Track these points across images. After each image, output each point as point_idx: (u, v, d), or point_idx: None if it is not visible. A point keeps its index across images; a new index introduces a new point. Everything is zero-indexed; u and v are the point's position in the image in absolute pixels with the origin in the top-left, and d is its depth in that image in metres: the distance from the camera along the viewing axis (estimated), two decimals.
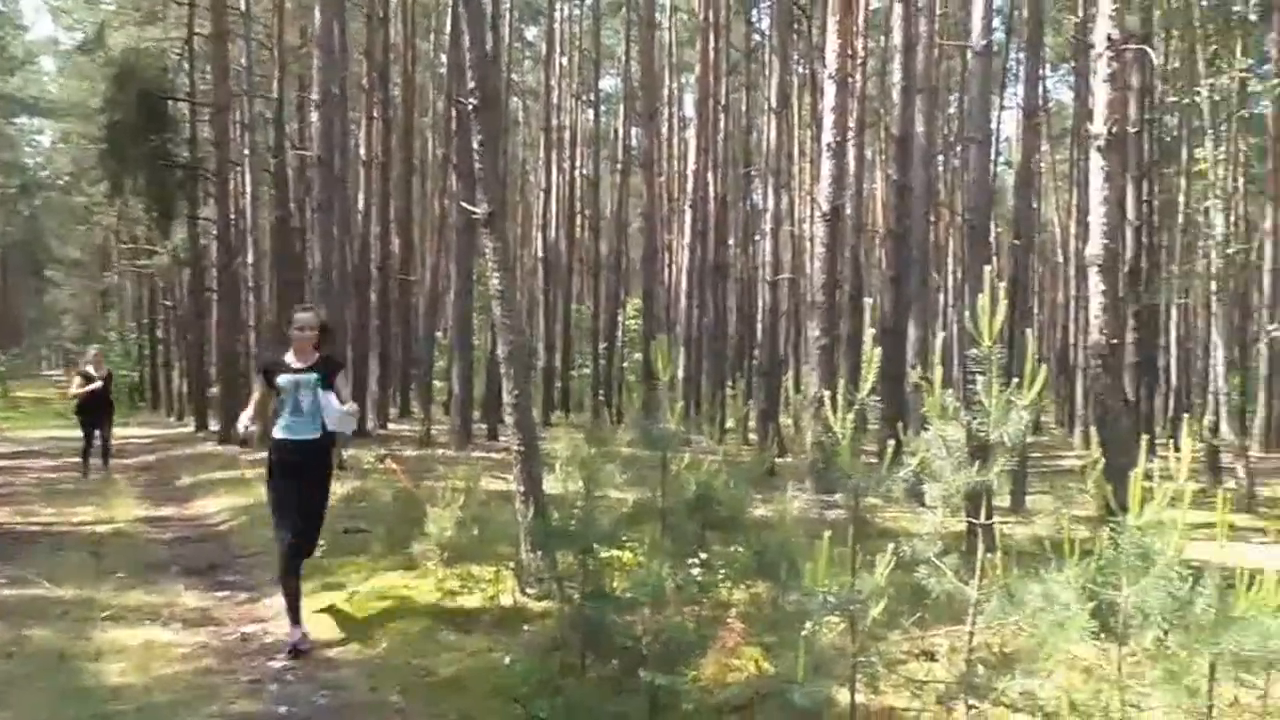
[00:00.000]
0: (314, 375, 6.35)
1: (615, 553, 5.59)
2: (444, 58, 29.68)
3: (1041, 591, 3.99)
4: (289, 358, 6.47)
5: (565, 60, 38.34)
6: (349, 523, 9.60)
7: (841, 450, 4.09)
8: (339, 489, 9.73)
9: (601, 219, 39.17)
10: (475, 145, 7.57)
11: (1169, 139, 27.97)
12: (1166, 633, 3.96)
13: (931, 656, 5.55)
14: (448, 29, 24.89)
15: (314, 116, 19.86)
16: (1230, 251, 18.07)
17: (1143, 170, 22.65)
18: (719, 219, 30.77)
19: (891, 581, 4.03)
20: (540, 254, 35.27)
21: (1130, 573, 3.85)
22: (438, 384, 33.89)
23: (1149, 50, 18.72)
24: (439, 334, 34.71)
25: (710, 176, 30.13)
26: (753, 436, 21.15)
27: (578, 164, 39.52)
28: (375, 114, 28.13)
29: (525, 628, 6.36)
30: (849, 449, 4.08)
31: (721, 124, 32.01)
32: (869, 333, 4.19)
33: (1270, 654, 3.86)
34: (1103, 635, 4.05)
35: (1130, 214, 20.78)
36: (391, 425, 26.48)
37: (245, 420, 6.56)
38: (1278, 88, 19.26)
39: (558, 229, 36.47)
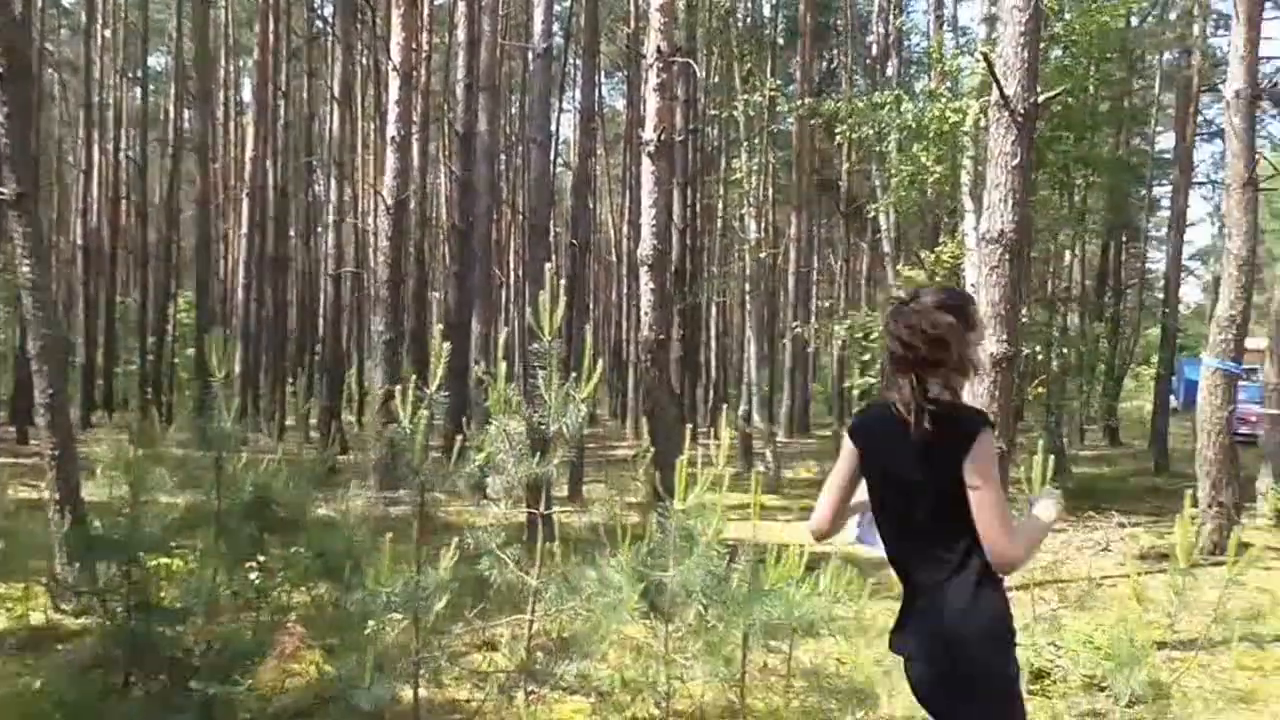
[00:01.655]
0: None
1: (165, 561, 5.18)
2: None
3: (597, 576, 4.16)
4: None
5: (109, 33, 34.94)
6: None
7: (410, 445, 4.02)
8: None
9: (150, 205, 36.13)
10: (1, 119, 6.76)
11: (710, 149, 30.44)
12: (707, 608, 4.27)
13: (494, 647, 5.64)
14: None
15: None
16: (761, 255, 19.91)
17: (688, 177, 24.43)
18: (279, 209, 29.46)
19: (456, 575, 4.03)
20: (80, 241, 31.94)
21: (676, 553, 4.11)
22: None
23: (694, 64, 20.22)
24: None
25: (270, 165, 28.76)
26: (315, 434, 20.47)
27: (123, 145, 36.16)
28: None
29: (60, 648, 5.82)
30: (419, 444, 4.03)
31: (282, 111, 30.66)
32: (437, 327, 4.15)
33: (794, 621, 4.29)
34: (652, 614, 4.30)
35: (676, 218, 22.36)
36: None
37: None
38: (801, 107, 21.49)
39: (100, 215, 33.20)
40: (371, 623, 4.09)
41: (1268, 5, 12.40)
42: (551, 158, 25.51)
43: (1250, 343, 14.16)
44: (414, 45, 16.92)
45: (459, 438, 4.20)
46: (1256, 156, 10.57)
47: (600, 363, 4.34)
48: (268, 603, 5.05)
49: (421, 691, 4.23)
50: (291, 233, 31.97)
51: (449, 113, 25.59)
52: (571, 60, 30.65)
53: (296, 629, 4.93)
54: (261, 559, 5.00)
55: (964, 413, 2.73)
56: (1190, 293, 51.95)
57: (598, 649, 4.56)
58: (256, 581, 4.90)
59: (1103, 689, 5.13)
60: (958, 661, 2.67)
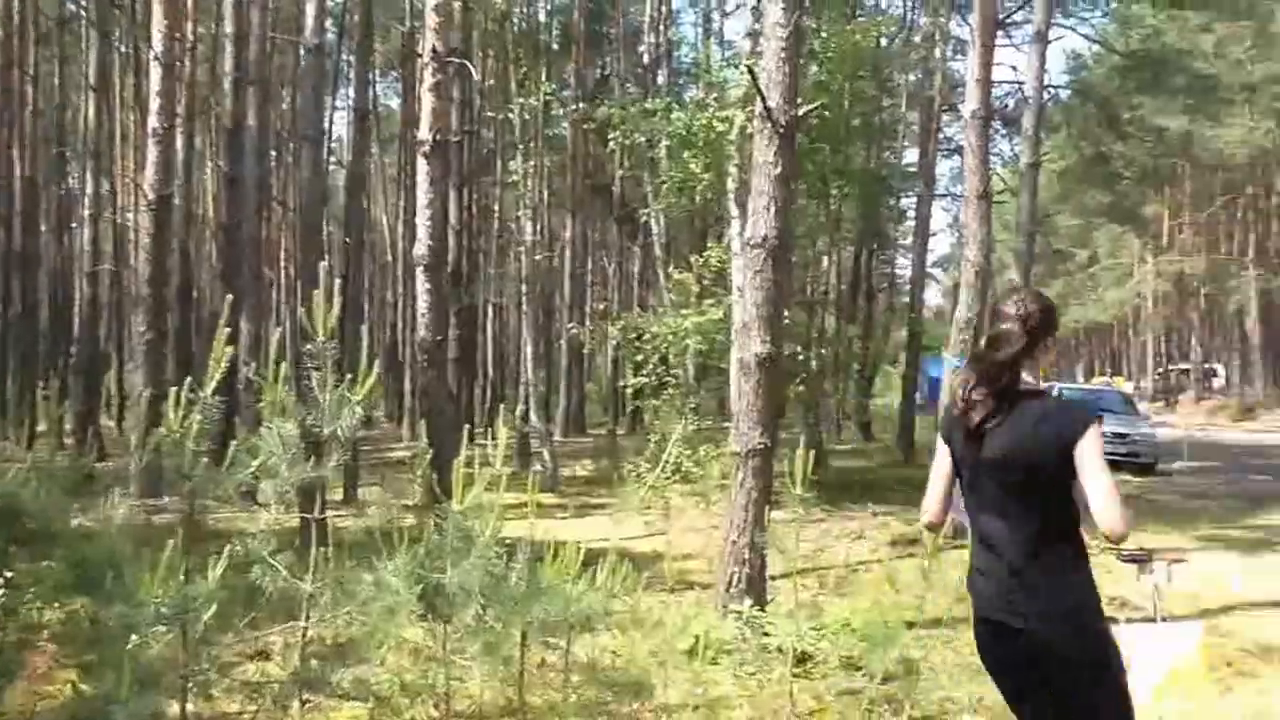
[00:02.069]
0: None
1: None
2: None
3: (373, 580, 4.14)
4: None
5: None
6: None
7: (179, 450, 3.89)
8: None
9: None
10: None
11: (487, 151, 30.36)
12: (485, 608, 4.32)
13: (268, 656, 5.49)
14: None
15: None
16: (537, 257, 20.04)
17: (464, 178, 24.29)
18: (27, 202, 27.36)
19: (226, 584, 3.92)
20: None
21: (454, 555, 4.14)
22: None
23: (469, 65, 20.14)
24: None
25: (16, 155, 26.69)
26: (70, 440, 19.17)
27: None
28: None
29: None
30: (188, 448, 3.89)
31: (30, 97, 28.49)
32: (223, 331, 4.01)
33: (572, 617, 4.40)
34: (430, 616, 4.31)
35: (453, 218, 22.20)
36: None
37: None
38: (575, 112, 21.76)
39: None
40: (135, 637, 3.93)
41: (1000, 34, 13.45)
42: (325, 155, 24.80)
43: None
44: (178, 35, 16.12)
45: (231, 442, 4.10)
46: (990, 172, 11.51)
47: (377, 364, 4.31)
48: (15, 621, 4.75)
49: (189, 706, 4.08)
50: (43, 227, 29.82)
51: (216, 106, 24.51)
52: (346, 57, 29.91)
53: (49, 647, 4.67)
54: (8, 574, 4.70)
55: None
56: (933, 297, 55.75)
57: (375, 654, 4.53)
58: (1, 599, 4.60)
59: (859, 668, 5.44)
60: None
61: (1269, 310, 45.56)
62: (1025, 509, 3.05)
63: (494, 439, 4.27)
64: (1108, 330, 68.37)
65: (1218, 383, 52.16)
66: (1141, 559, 4.73)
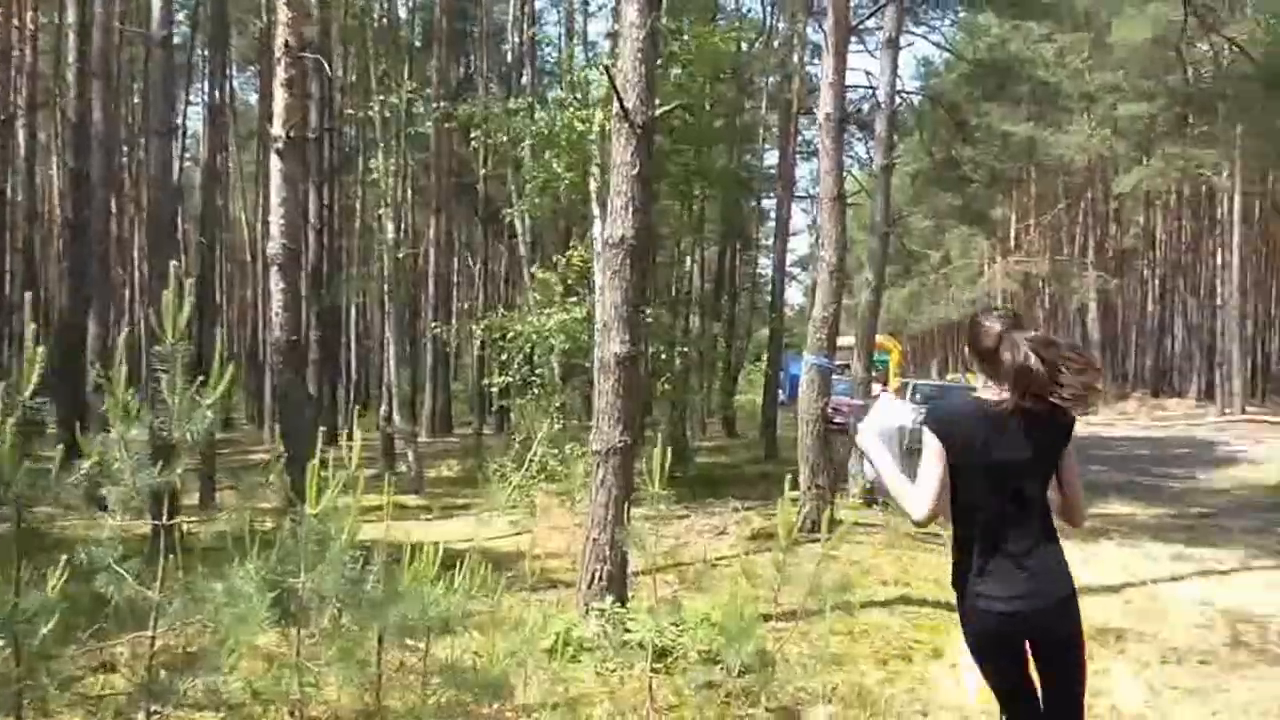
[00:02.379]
0: None
1: None
2: None
3: (225, 588, 4.06)
4: None
5: None
6: None
7: (3, 456, 3.74)
8: None
9: None
10: None
11: (348, 148, 29.80)
12: (341, 612, 4.28)
13: (113, 668, 5.32)
14: None
15: None
16: (400, 256, 19.83)
17: (324, 175, 23.79)
18: None
19: (66, 595, 3.80)
20: None
21: (309, 559, 4.09)
22: None
23: (325, 62, 19.75)
24: None
25: None
26: None
27: None
28: None
29: None
30: (11, 455, 3.75)
31: None
32: (31, 328, 3.88)
33: (429, 620, 4.39)
34: (285, 622, 4.24)
35: (313, 217, 21.73)
36: None
37: None
38: (436, 112, 21.51)
39: None
40: None
41: (853, 39, 13.84)
42: (179, 152, 23.98)
43: (843, 340, 15.78)
44: (17, 22, 15.39)
45: (64, 446, 3.96)
46: (845, 174, 11.84)
47: (233, 365, 4.23)
48: None
49: None
50: None
51: (60, 99, 23.43)
52: (200, 50, 28.96)
53: None
54: None
55: None
56: (796, 296, 56.96)
57: (227, 662, 4.43)
58: None
59: (718, 662, 5.54)
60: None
61: (1107, 308, 47.94)
62: (1040, 501, 3.47)
63: (350, 440, 4.23)
64: (960, 328, 70.92)
65: None
66: None
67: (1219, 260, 41.84)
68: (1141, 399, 43.66)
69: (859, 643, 6.76)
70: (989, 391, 3.52)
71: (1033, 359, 3.40)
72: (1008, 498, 3.40)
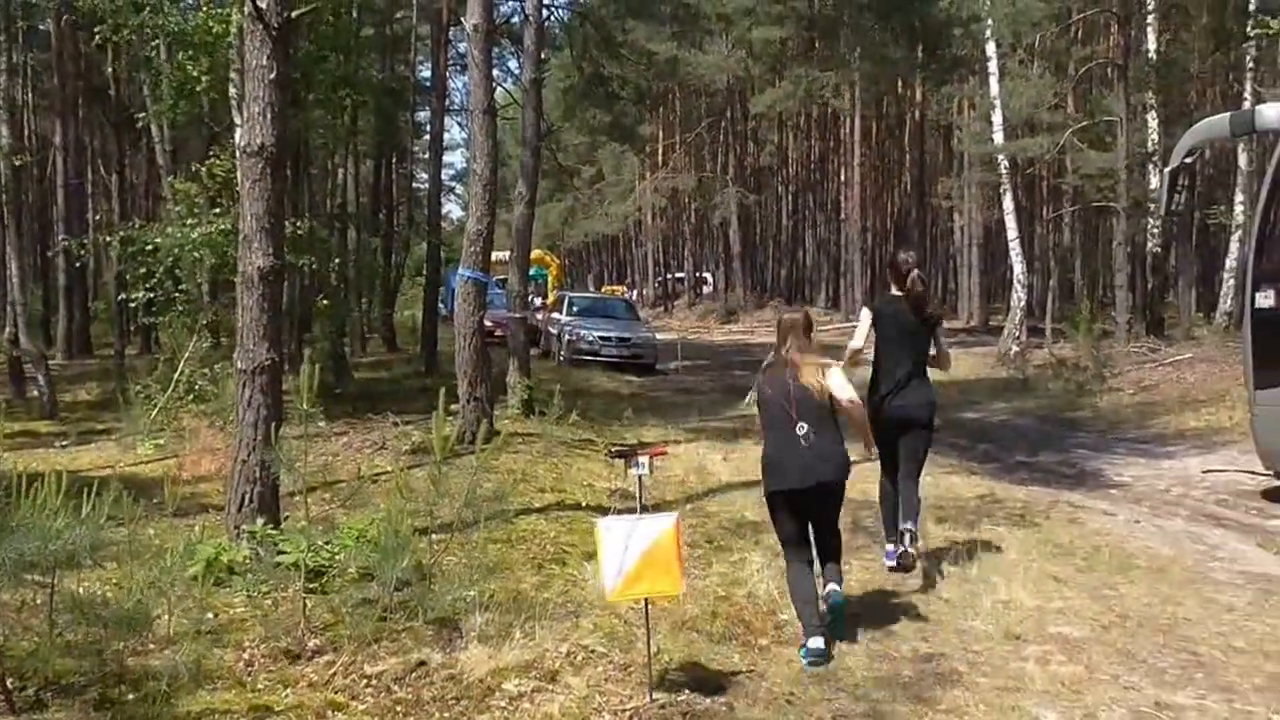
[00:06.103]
0: None
1: None
2: None
3: None
4: None
5: None
6: None
7: None
8: None
9: None
10: None
11: None
12: None
13: None
14: None
15: None
16: (17, 163, 17.85)
17: None
18: None
19: None
20: None
21: None
22: None
23: None
24: None
25: None
26: None
27: None
28: None
29: None
30: None
31: None
32: None
33: (53, 555, 4.10)
34: None
35: None
36: None
37: None
38: (56, 2, 19.33)
39: None
40: None
41: None
42: None
43: (498, 255, 15.86)
44: None
45: None
46: (496, 87, 11.79)
47: None
48: None
49: None
50: None
51: None
52: None
53: None
54: None
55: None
56: (455, 211, 56.57)
57: None
58: None
59: (375, 578, 5.51)
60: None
61: (747, 222, 50.98)
62: (923, 351, 6.60)
63: None
64: (614, 242, 73.10)
65: (707, 289, 57.63)
66: (627, 454, 5.24)
67: (842, 178, 45.54)
68: (777, 307, 47.06)
69: (516, 549, 6.90)
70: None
71: (919, 285, 6.48)
72: (904, 348, 6.50)
